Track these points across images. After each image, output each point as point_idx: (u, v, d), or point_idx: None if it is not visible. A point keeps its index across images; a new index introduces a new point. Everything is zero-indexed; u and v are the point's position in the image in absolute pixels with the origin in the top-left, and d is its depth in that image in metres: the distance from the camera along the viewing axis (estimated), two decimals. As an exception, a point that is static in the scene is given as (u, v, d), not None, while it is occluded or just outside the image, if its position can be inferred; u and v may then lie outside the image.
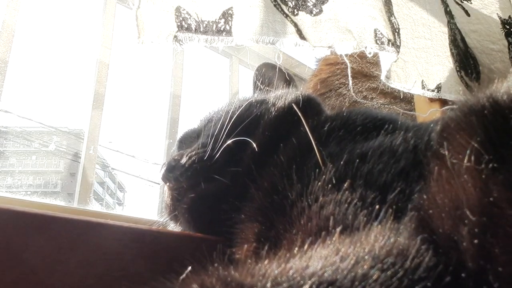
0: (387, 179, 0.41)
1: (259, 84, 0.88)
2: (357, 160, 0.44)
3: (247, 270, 0.30)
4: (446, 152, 0.33)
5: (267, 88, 0.86)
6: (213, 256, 0.33)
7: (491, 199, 0.29)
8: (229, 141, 0.62)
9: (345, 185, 0.41)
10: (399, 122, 0.54)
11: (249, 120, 0.65)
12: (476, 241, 0.29)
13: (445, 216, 0.31)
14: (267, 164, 0.55)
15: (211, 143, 0.63)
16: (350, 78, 0.97)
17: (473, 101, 0.36)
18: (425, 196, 0.34)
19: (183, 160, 0.63)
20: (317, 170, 0.45)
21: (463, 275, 0.28)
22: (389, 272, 0.28)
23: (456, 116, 0.36)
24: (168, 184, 0.66)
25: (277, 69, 0.86)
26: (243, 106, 0.68)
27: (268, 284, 0.27)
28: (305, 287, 0.26)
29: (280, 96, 0.71)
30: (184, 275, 0.31)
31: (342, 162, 0.45)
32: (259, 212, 0.50)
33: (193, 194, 0.63)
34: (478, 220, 0.29)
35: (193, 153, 0.64)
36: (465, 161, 0.31)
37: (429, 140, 0.44)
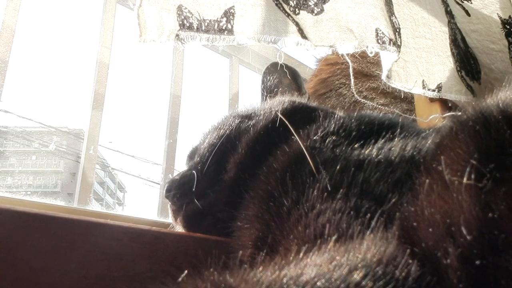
0: (383, 189, 0.41)
1: (263, 91, 0.89)
2: (353, 168, 0.44)
3: (241, 276, 0.30)
4: (444, 168, 0.32)
5: (270, 94, 0.86)
6: (209, 261, 0.33)
7: (495, 215, 0.28)
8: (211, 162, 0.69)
9: (340, 194, 0.41)
10: (399, 128, 0.53)
11: (237, 137, 0.69)
12: (465, 260, 0.28)
13: (432, 231, 0.31)
14: (261, 173, 0.55)
15: (199, 164, 0.71)
16: (351, 78, 0.96)
17: (474, 112, 0.36)
18: (412, 209, 0.33)
19: (175, 183, 0.72)
20: (311, 177, 0.45)
21: None
22: (381, 282, 0.28)
23: (455, 129, 0.36)
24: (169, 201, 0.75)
25: (285, 71, 0.87)
26: (232, 124, 0.72)
27: None
28: None
29: (271, 106, 0.72)
30: (180, 279, 0.31)
31: (337, 170, 0.44)
32: (255, 219, 0.50)
33: (184, 212, 0.71)
34: (473, 240, 0.28)
35: (183, 175, 0.73)
36: (465, 178, 0.30)
37: (427, 151, 0.44)
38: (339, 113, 0.66)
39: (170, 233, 0.70)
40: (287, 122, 0.58)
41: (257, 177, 0.55)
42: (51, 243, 0.56)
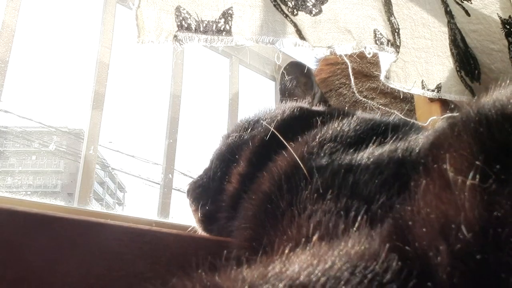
0: (371, 190, 0.43)
1: (280, 92, 0.91)
2: (343, 171, 0.46)
3: (227, 275, 0.31)
4: (448, 167, 0.33)
5: (284, 97, 0.88)
6: (199, 261, 0.34)
7: (499, 213, 0.29)
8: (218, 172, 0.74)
9: (330, 195, 0.43)
10: (394, 131, 0.54)
11: (240, 147, 0.73)
12: (461, 256, 0.29)
13: (426, 231, 0.31)
14: (261, 176, 0.58)
15: (210, 171, 0.77)
16: (352, 78, 0.96)
17: (473, 114, 0.36)
18: (408, 208, 0.34)
19: (192, 185, 0.79)
20: (305, 181, 0.47)
21: (429, 284, 0.29)
22: (360, 275, 0.29)
23: (458, 130, 0.36)
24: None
25: (301, 70, 0.88)
26: (239, 132, 0.77)
27: (246, 287, 0.29)
28: None
29: (272, 115, 0.75)
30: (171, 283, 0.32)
31: (329, 173, 0.47)
32: (253, 220, 0.52)
33: (199, 214, 0.76)
34: (472, 237, 0.29)
35: (196, 180, 0.79)
36: (470, 179, 0.31)
37: (420, 152, 0.45)
38: (355, 114, 0.67)
39: (170, 233, 0.70)
40: (280, 137, 0.61)
41: (257, 179, 0.57)
42: (51, 243, 0.56)
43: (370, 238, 0.34)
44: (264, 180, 0.55)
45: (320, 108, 0.81)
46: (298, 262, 0.31)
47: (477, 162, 0.31)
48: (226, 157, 0.73)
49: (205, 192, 0.76)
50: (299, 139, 0.59)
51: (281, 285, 0.28)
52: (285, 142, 0.58)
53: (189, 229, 0.80)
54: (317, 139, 0.56)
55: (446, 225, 0.31)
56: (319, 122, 0.62)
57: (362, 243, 0.33)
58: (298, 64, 0.91)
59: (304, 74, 0.89)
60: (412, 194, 0.35)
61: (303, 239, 0.38)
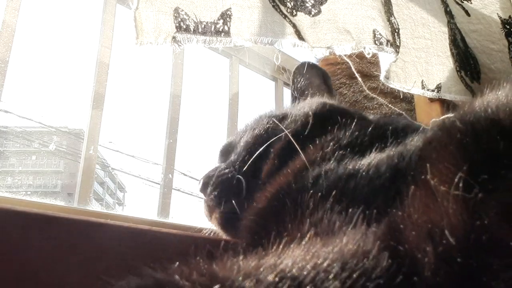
0: (369, 193, 0.45)
1: (294, 92, 0.89)
2: (346, 176, 0.48)
3: (223, 264, 0.33)
4: (431, 178, 0.34)
5: (301, 96, 0.87)
6: (196, 253, 0.36)
7: (485, 221, 0.30)
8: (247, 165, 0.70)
9: (332, 197, 0.45)
10: (391, 136, 0.56)
11: (268, 140, 0.70)
12: (445, 258, 0.30)
13: (415, 234, 0.33)
14: (281, 173, 0.59)
15: (237, 163, 0.71)
16: (358, 76, 0.96)
17: (461, 124, 0.37)
18: (400, 213, 0.36)
19: (214, 179, 0.71)
20: (312, 182, 0.50)
21: (415, 279, 0.31)
22: (349, 270, 0.31)
23: (445, 142, 0.37)
24: (204, 197, 0.74)
25: (315, 72, 0.88)
26: (265, 125, 0.74)
27: (240, 277, 0.30)
28: (269, 279, 0.30)
29: (298, 113, 0.73)
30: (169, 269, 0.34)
31: (334, 177, 0.49)
32: (259, 212, 0.53)
33: (221, 211, 0.70)
34: (456, 241, 0.30)
35: (222, 172, 0.72)
36: (453, 189, 0.32)
37: (410, 158, 0.47)
38: (367, 117, 0.68)
39: (170, 233, 0.70)
40: (294, 143, 0.61)
41: (277, 175, 0.59)
42: (51, 243, 0.56)
43: (365, 236, 0.35)
44: (281, 177, 0.57)
45: (343, 108, 0.79)
46: (292, 257, 0.33)
47: (461, 174, 0.32)
48: (256, 151, 0.68)
49: (230, 187, 0.69)
50: (316, 142, 0.60)
51: (272, 276, 0.30)
52: (297, 147, 0.59)
53: (202, 232, 0.76)
54: (330, 146, 0.57)
55: (432, 230, 0.32)
56: (339, 124, 0.63)
57: (357, 241, 0.34)
58: (310, 65, 0.90)
59: (318, 76, 0.88)
60: (404, 200, 0.37)
61: (300, 235, 0.39)
